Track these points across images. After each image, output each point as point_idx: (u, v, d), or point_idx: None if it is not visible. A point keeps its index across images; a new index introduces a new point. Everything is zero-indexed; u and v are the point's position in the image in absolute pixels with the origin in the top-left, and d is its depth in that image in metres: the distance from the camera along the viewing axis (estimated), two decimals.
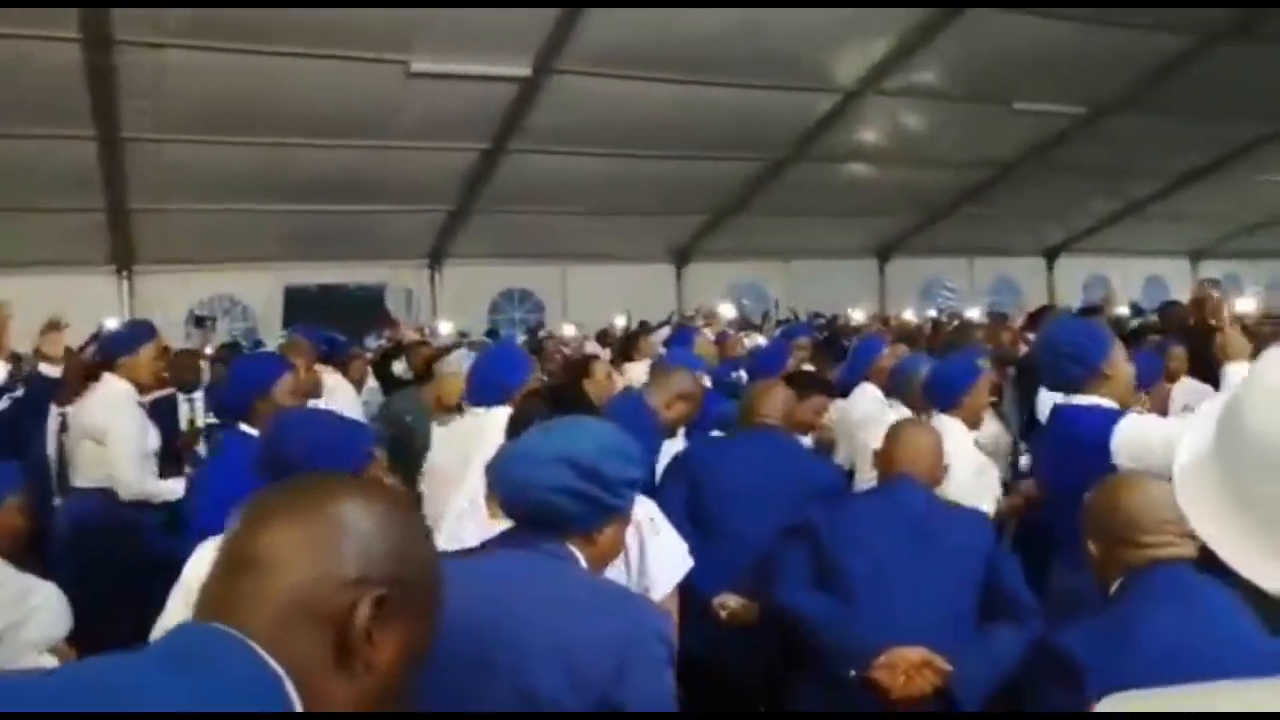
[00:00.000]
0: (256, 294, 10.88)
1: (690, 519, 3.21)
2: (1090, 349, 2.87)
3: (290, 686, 0.86)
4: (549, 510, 1.64)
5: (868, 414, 4.37)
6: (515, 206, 10.28)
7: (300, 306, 10.49)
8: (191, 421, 5.27)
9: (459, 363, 4.98)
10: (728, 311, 8.60)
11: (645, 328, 8.68)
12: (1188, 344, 5.23)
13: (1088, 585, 2.25)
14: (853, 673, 2.38)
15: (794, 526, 2.71)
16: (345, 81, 7.48)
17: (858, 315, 10.60)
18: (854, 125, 9.73)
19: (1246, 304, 7.42)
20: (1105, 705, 0.88)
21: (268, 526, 0.93)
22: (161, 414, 4.72)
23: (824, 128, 9.64)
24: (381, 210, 10.04)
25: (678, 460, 3.53)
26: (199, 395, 5.46)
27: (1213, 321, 7.26)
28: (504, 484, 1.71)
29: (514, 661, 1.50)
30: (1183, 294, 12.57)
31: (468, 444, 3.43)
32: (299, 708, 0.86)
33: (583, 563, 1.67)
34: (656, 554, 2.28)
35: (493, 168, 9.34)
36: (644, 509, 2.28)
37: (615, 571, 2.20)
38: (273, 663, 0.86)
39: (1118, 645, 1.94)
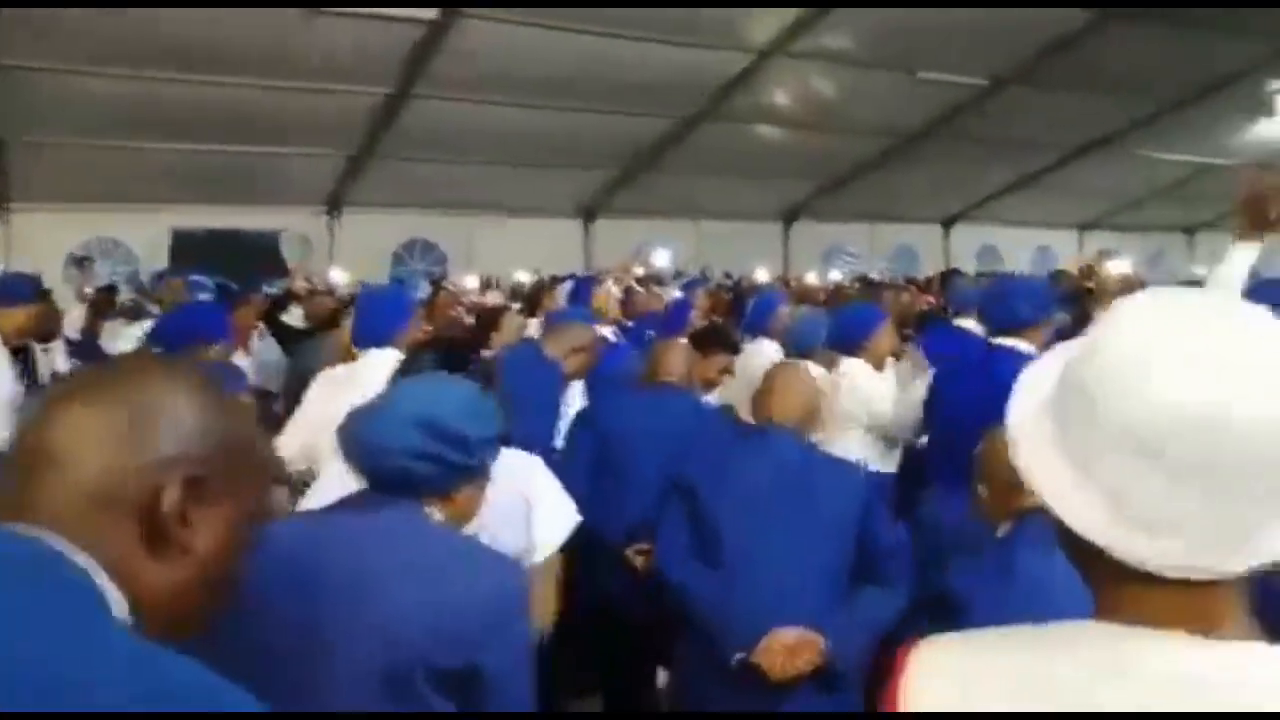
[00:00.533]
0: (141, 237, 10.35)
1: (599, 469, 3.27)
2: (1046, 298, 3.22)
3: (104, 579, 0.81)
4: (404, 474, 1.60)
5: (764, 369, 4.40)
6: (419, 155, 10.01)
7: (188, 251, 10.04)
8: (54, 374, 4.97)
9: None
10: (661, 259, 8.54)
11: (555, 281, 8.59)
12: (1072, 310, 5.45)
13: (951, 520, 2.35)
14: (736, 658, 2.39)
15: (672, 483, 2.66)
16: (241, 15, 7.11)
17: (761, 276, 10.73)
18: (764, 87, 9.75)
19: (1121, 265, 7.95)
20: (921, 649, 0.90)
21: (62, 417, 0.86)
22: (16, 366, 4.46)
23: (735, 88, 9.63)
24: (277, 153, 9.65)
25: (585, 412, 3.56)
26: (57, 345, 5.14)
27: (1089, 285, 7.71)
28: (356, 447, 1.65)
29: (381, 622, 1.46)
30: (1071, 264, 13.07)
31: (344, 391, 3.38)
32: (114, 598, 0.81)
33: (440, 520, 1.65)
34: (540, 512, 2.27)
35: (396, 113, 9.06)
36: (529, 468, 2.28)
37: (508, 530, 2.18)
38: (79, 557, 0.81)
39: (1002, 585, 2.03)
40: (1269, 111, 11.80)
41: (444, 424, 1.62)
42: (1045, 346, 3.20)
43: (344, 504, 1.68)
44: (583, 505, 2.55)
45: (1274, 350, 0.78)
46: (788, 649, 2.37)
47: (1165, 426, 0.77)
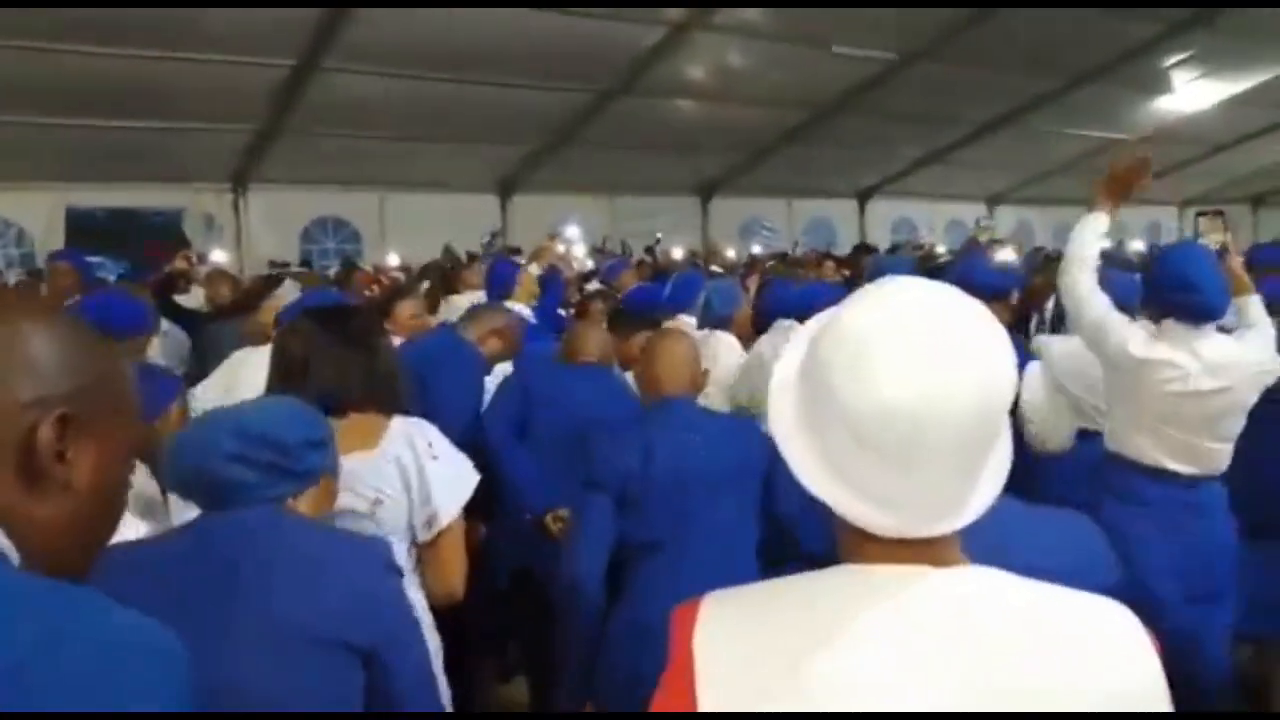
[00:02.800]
0: (34, 217, 9.83)
1: (521, 436, 3.34)
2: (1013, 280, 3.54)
3: None
4: (228, 484, 1.63)
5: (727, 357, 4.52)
6: (329, 129, 9.71)
7: (85, 231, 9.61)
8: None
9: (290, 294, 4.72)
10: (571, 235, 8.51)
11: (472, 258, 8.47)
12: None
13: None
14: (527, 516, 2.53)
15: (591, 480, 2.60)
16: None
17: (677, 252, 10.80)
18: (681, 60, 9.71)
19: (1006, 254, 8.29)
20: (707, 602, 0.99)
21: None
22: None
23: (652, 61, 9.57)
24: (178, 128, 9.25)
25: (509, 379, 3.60)
26: None
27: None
28: (178, 467, 1.68)
29: (259, 627, 1.49)
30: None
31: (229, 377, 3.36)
32: (2, 542, 0.84)
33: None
34: (437, 478, 2.23)
35: (304, 86, 8.77)
36: (422, 434, 2.27)
37: (397, 498, 2.19)
38: None
39: None
40: (1166, 88, 12.23)
41: (258, 429, 1.65)
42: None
43: (187, 528, 1.68)
44: (504, 465, 2.54)
45: (971, 346, 0.89)
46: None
47: (874, 418, 0.87)
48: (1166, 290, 3.00)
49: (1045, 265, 6.32)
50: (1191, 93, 12.41)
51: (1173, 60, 11.41)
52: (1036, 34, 9.93)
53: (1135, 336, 2.97)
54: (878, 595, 0.92)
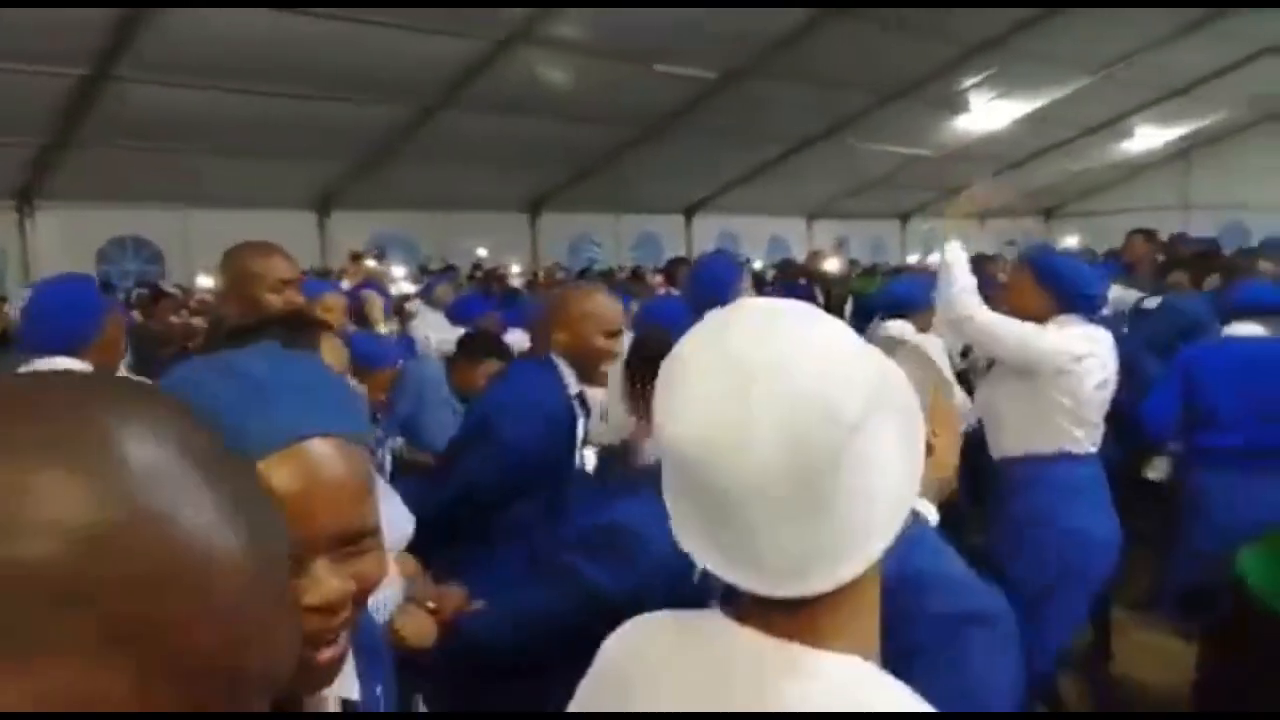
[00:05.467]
0: None
1: None
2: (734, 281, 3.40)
3: None
4: None
5: None
6: (127, 143, 9.08)
7: None
8: None
9: None
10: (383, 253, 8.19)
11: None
12: (800, 294, 5.84)
13: None
14: None
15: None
16: None
17: (515, 269, 10.63)
18: (506, 75, 9.59)
19: (832, 264, 8.71)
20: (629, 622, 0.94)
21: None
22: None
23: (475, 76, 9.42)
24: None
25: None
26: None
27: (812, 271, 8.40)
28: None
29: None
30: (799, 250, 13.87)
31: None
32: None
33: None
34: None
35: (97, 97, 8.16)
36: None
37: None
38: None
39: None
40: (964, 107, 13.03)
41: None
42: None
43: None
44: None
45: (780, 384, 0.75)
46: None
47: (678, 464, 0.79)
48: (1069, 289, 3.17)
49: (862, 277, 6.60)
50: (987, 112, 13.27)
51: (970, 82, 12.17)
52: (848, 54, 10.37)
53: (1056, 336, 3.14)
54: (697, 655, 0.85)
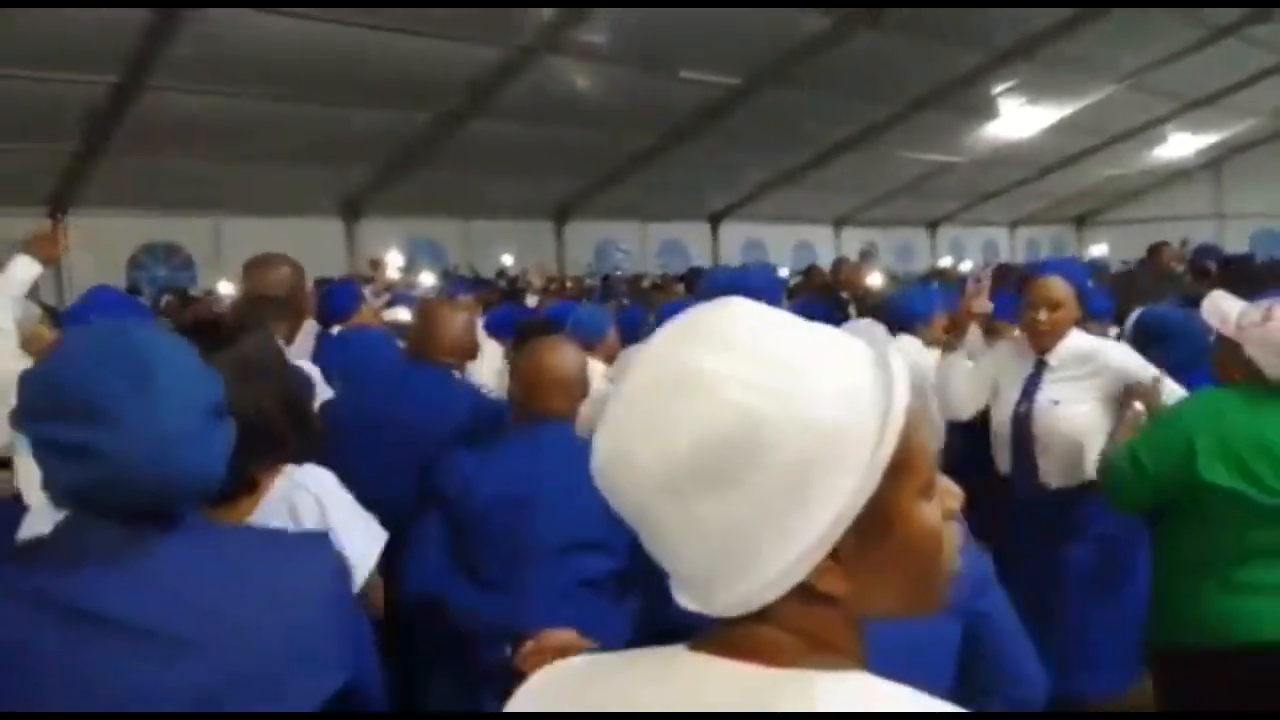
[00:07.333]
0: None
1: None
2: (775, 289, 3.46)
3: None
4: None
5: None
6: (158, 150, 9.18)
7: None
8: None
9: None
10: (394, 260, 8.13)
11: (317, 285, 8.08)
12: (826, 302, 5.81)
13: None
14: (507, 648, 2.12)
15: (428, 491, 2.47)
16: None
17: (536, 281, 10.58)
18: (530, 83, 9.62)
19: (875, 279, 8.36)
20: (541, 671, 0.90)
21: None
22: None
23: (501, 82, 9.45)
24: None
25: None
26: None
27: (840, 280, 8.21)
28: None
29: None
30: (826, 259, 13.82)
31: None
32: None
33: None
34: (343, 536, 1.79)
35: (128, 104, 8.26)
36: (311, 491, 1.88)
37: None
38: None
39: None
40: (993, 114, 12.93)
41: None
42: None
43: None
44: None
45: (671, 407, 0.73)
46: (557, 649, 2.23)
47: (601, 482, 0.78)
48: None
49: (891, 285, 6.55)
50: (1018, 119, 13.15)
51: (1000, 88, 12.06)
52: (874, 61, 10.31)
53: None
54: (671, 682, 0.79)
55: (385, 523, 2.00)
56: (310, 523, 1.82)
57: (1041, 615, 2.42)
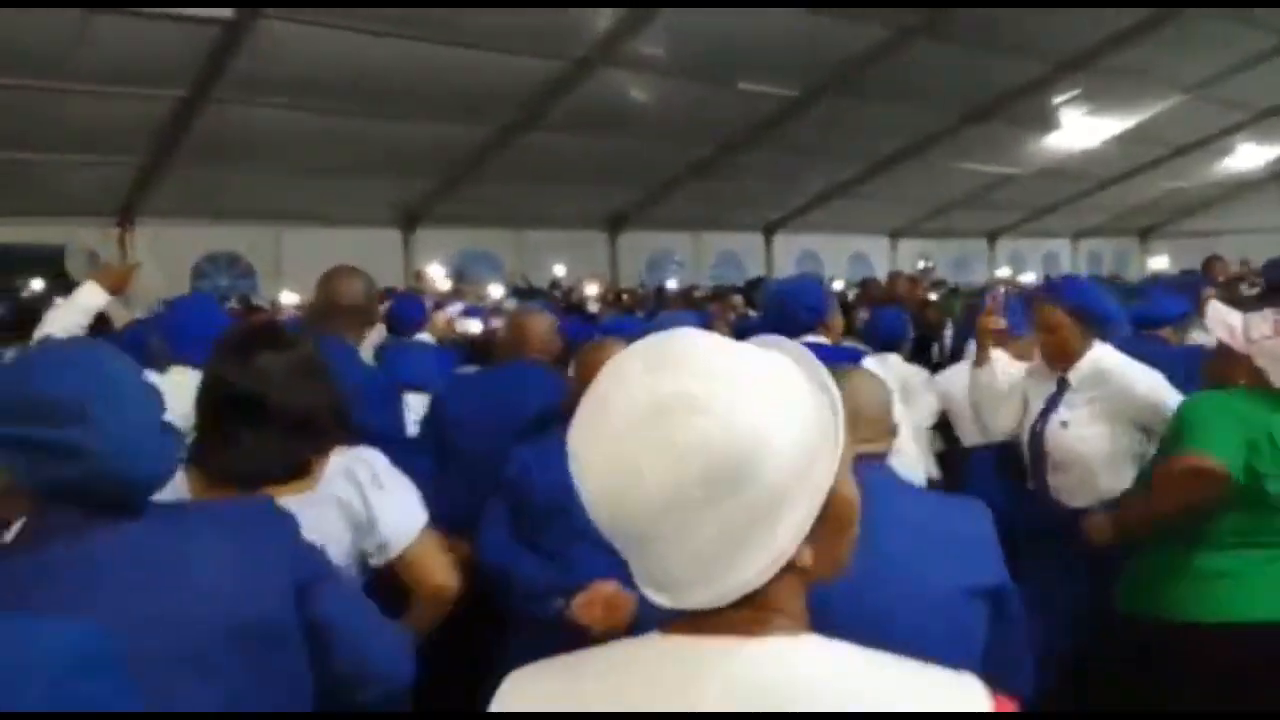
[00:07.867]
0: None
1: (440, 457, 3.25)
2: (820, 301, 3.38)
3: None
4: None
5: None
6: (221, 162, 9.39)
7: None
8: None
9: None
10: (436, 273, 8.20)
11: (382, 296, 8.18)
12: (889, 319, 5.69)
13: None
14: (560, 601, 2.36)
15: (503, 479, 2.64)
16: (13, 12, 6.45)
17: (591, 290, 10.63)
18: (586, 94, 9.67)
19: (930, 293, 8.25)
20: (511, 677, 0.93)
21: None
22: None
23: (556, 94, 9.51)
24: (59, 160, 8.83)
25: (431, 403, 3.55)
26: None
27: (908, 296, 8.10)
28: None
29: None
30: (882, 270, 13.66)
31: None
32: None
33: None
34: (384, 511, 2.01)
35: (193, 118, 8.47)
36: (366, 465, 2.05)
37: (339, 537, 1.96)
38: None
39: None
40: (1054, 125, 12.69)
41: None
42: (836, 343, 3.42)
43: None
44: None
45: (659, 430, 0.79)
46: (607, 599, 2.30)
47: (587, 503, 0.84)
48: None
49: (947, 298, 6.45)
50: (1080, 130, 12.89)
51: (1060, 99, 11.85)
52: (932, 72, 10.19)
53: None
54: (694, 676, 0.84)
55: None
56: (366, 488, 2.00)
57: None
